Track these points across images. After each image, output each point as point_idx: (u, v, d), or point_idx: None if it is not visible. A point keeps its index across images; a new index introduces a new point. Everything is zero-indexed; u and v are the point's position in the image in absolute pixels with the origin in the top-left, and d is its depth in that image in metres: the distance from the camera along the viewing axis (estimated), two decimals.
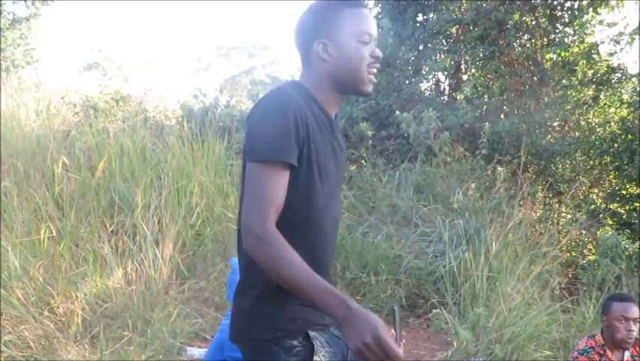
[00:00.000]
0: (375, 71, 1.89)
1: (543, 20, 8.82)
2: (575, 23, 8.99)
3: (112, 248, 4.98)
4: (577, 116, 8.94)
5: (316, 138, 1.79)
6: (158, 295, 4.84)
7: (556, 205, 8.00)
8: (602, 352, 3.64)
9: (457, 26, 9.74)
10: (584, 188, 8.49)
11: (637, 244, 7.13)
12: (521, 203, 6.67)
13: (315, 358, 1.77)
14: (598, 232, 7.61)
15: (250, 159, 1.73)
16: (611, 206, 8.21)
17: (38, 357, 3.90)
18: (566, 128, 8.96)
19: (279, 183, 1.70)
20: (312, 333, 1.81)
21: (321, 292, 1.60)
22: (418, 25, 9.54)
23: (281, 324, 1.78)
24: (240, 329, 1.88)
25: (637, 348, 3.72)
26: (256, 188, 1.70)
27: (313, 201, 1.82)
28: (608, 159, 8.19)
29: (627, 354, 3.69)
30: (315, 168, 1.79)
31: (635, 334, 3.56)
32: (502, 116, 9.13)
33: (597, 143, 8.25)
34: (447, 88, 10.66)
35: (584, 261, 7.21)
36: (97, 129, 6.89)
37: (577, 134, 8.71)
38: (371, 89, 1.92)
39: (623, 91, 8.95)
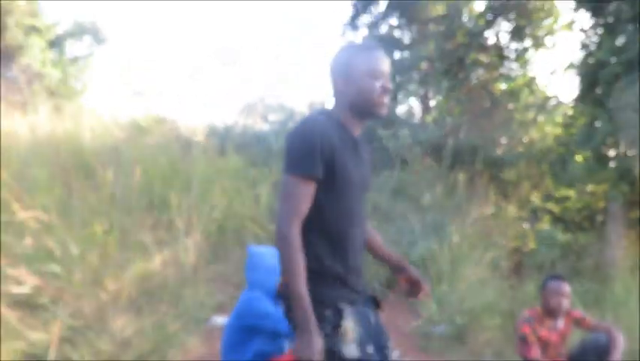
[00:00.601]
0: (385, 98, 1.91)
1: (494, 58, 8.85)
2: (519, 60, 9.03)
3: (152, 239, 4.97)
4: (521, 134, 8.97)
5: (341, 154, 1.82)
6: (188, 276, 4.84)
7: (505, 204, 8.01)
8: (541, 320, 3.66)
9: (426, 63, 9.77)
10: (526, 191, 8.50)
11: (568, 235, 7.16)
12: (477, 203, 6.67)
13: (342, 322, 1.80)
14: (537, 226, 7.63)
15: (284, 171, 1.80)
16: (548, 205, 8.23)
17: (93, 326, 3.89)
18: (512, 143, 8.98)
19: (303, 193, 1.77)
20: (340, 305, 1.83)
21: (301, 302, 1.70)
22: (395, 61, 9.55)
23: (317, 297, 1.78)
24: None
25: (569, 317, 3.74)
26: (286, 196, 1.78)
27: (342, 206, 1.86)
28: (546, 167, 8.20)
29: (561, 322, 3.71)
30: (341, 178, 1.83)
31: (565, 305, 3.57)
32: (461, 133, 9.14)
33: (537, 155, 8.27)
34: (418, 111, 10.69)
35: (527, 249, 7.22)
36: (140, 144, 6.90)
37: (521, 148, 8.73)
38: (384, 111, 1.94)
39: (557, 114, 8.98)
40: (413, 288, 2.18)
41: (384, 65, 1.92)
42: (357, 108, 1.92)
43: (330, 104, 2.00)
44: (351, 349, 1.79)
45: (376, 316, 2.01)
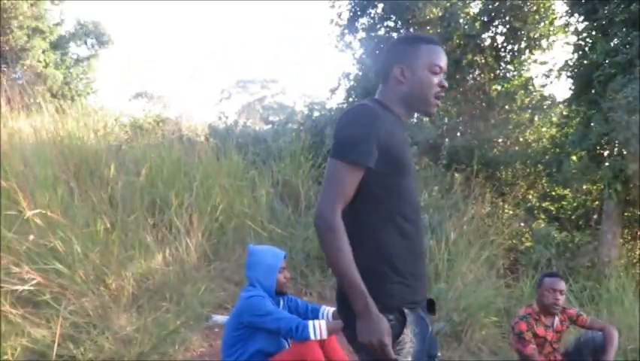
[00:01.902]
0: (440, 97, 1.85)
1: (490, 59, 8.84)
2: (515, 62, 9.04)
3: (153, 237, 4.96)
4: (517, 134, 8.97)
5: (397, 141, 1.73)
6: (189, 274, 4.83)
7: (501, 203, 8.01)
8: (537, 317, 3.66)
9: None
10: (522, 190, 8.50)
11: (563, 234, 7.16)
12: (473, 202, 6.67)
13: (404, 331, 1.68)
14: (533, 225, 7.63)
15: (332, 155, 1.68)
16: (544, 204, 8.23)
17: (96, 323, 3.88)
18: (508, 143, 8.98)
19: (351, 180, 1.65)
20: (406, 310, 1.70)
21: (354, 287, 1.57)
22: None
23: (381, 298, 1.65)
24: (346, 304, 1.70)
25: (564, 315, 3.73)
26: (332, 181, 1.65)
27: (403, 191, 1.75)
28: (541, 167, 8.20)
29: (557, 319, 3.70)
30: (400, 164, 1.73)
31: (560, 302, 3.57)
32: (458, 134, 9.14)
33: (532, 155, 8.27)
34: None
35: (523, 247, 7.22)
36: (142, 144, 6.88)
37: (517, 148, 8.72)
38: (435, 110, 1.87)
39: (553, 115, 8.98)
40: None
41: (444, 61, 1.86)
42: (411, 100, 1.83)
43: (382, 91, 1.88)
44: None
45: (431, 322, 1.88)
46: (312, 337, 2.84)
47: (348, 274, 1.58)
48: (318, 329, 2.87)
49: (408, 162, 1.77)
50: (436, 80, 1.82)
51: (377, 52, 9.51)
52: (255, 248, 3.21)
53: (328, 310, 3.28)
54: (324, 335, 2.90)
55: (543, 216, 8.03)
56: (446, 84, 1.85)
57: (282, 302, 3.20)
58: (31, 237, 4.01)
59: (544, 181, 8.37)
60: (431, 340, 1.84)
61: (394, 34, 10.01)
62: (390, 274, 1.70)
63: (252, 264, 3.12)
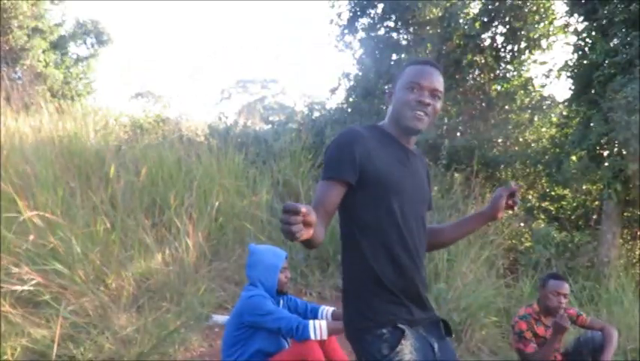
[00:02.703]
0: (419, 112, 1.83)
1: (490, 60, 8.84)
2: (514, 62, 9.03)
3: (153, 237, 4.96)
4: (516, 134, 8.96)
5: (380, 160, 1.78)
6: (189, 274, 4.82)
7: None
8: (537, 317, 3.66)
9: None
10: (522, 190, 8.49)
11: (563, 234, 7.15)
12: (473, 202, 6.67)
13: (402, 341, 1.69)
14: (533, 225, 7.62)
15: (320, 179, 1.79)
16: (543, 204, 8.23)
17: (96, 323, 3.88)
18: (508, 143, 8.97)
19: (330, 193, 1.72)
20: (401, 326, 1.73)
21: None
22: (392, 63, 9.54)
23: (371, 315, 1.74)
24: (349, 329, 1.84)
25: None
26: (315, 196, 1.74)
27: (387, 216, 1.78)
28: (541, 167, 8.20)
29: None
30: (384, 183, 1.78)
31: (564, 305, 3.57)
32: (458, 134, 9.14)
33: (532, 155, 8.27)
34: None
35: (522, 247, 7.22)
36: (142, 144, 6.88)
37: (516, 148, 8.72)
38: (416, 125, 1.85)
39: (552, 115, 8.98)
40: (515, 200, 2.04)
41: (425, 79, 1.84)
42: (396, 119, 1.89)
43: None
44: None
45: (444, 344, 1.87)
46: (312, 337, 2.84)
47: None
48: (318, 329, 2.88)
49: (395, 182, 1.80)
50: (411, 96, 1.83)
51: (377, 52, 9.51)
52: (256, 248, 3.21)
53: (327, 309, 3.28)
54: (325, 336, 2.90)
55: (543, 216, 8.03)
56: (426, 100, 1.83)
57: (282, 302, 3.20)
58: (31, 237, 4.01)
59: (543, 181, 8.37)
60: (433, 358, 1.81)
61: (394, 34, 10.02)
62: (381, 293, 1.77)
63: (253, 263, 3.12)
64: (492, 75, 9.22)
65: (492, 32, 8.98)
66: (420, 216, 1.88)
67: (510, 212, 2.10)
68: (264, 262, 3.09)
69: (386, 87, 1.88)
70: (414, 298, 1.82)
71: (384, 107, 9.09)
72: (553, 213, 8.06)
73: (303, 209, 1.34)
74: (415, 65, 1.89)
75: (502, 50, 9.03)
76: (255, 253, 3.16)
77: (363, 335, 1.74)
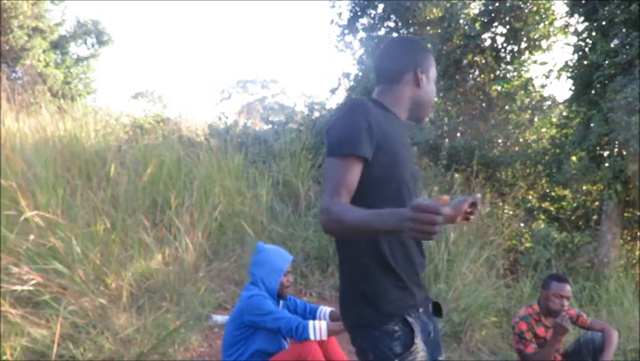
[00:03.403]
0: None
1: (490, 60, 8.84)
2: (515, 62, 9.03)
3: (154, 237, 4.96)
4: (516, 134, 8.96)
5: (391, 137, 1.68)
6: (189, 274, 4.83)
7: (501, 204, 8.01)
8: (537, 318, 3.66)
9: None
10: (522, 190, 8.50)
11: (563, 234, 7.15)
12: None
13: (415, 340, 1.65)
14: (533, 225, 7.62)
15: (329, 154, 1.61)
16: (543, 205, 8.23)
17: (96, 323, 3.88)
18: (508, 144, 8.98)
19: (351, 172, 1.57)
20: (409, 318, 1.67)
21: (377, 218, 1.40)
22: None
23: (383, 307, 1.64)
24: (348, 316, 1.73)
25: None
26: (331, 176, 1.57)
27: (400, 193, 1.70)
28: (541, 168, 8.20)
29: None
30: (394, 158, 1.67)
31: (566, 308, 3.57)
32: (458, 134, 9.14)
33: (532, 155, 8.27)
34: None
35: (522, 247, 7.22)
36: (142, 144, 6.88)
37: (517, 148, 8.72)
38: (426, 120, 1.90)
39: (553, 115, 8.99)
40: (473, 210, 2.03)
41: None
42: (418, 105, 1.83)
43: (383, 91, 1.83)
44: None
45: (435, 324, 1.85)
46: (312, 337, 2.84)
47: (367, 216, 1.43)
48: (318, 329, 2.87)
49: (403, 161, 1.72)
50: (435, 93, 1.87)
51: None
52: (264, 246, 3.18)
53: (326, 310, 3.28)
54: (324, 336, 2.90)
55: (543, 217, 8.03)
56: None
57: (281, 302, 3.19)
58: (32, 237, 4.01)
59: (544, 181, 8.37)
60: (436, 344, 1.82)
61: (394, 35, 10.02)
62: (389, 279, 1.67)
63: (258, 262, 3.11)
64: (492, 75, 9.22)
65: (492, 33, 8.99)
66: (415, 195, 1.84)
67: (465, 222, 2.02)
68: (269, 263, 3.07)
69: (418, 70, 1.83)
70: (416, 279, 1.76)
71: None
72: (553, 213, 8.06)
73: (445, 209, 1.29)
74: (432, 56, 1.89)
75: (503, 50, 9.03)
76: (263, 251, 3.14)
77: (370, 330, 1.66)
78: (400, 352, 1.62)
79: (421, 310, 1.78)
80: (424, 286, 1.83)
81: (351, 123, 1.60)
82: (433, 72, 1.85)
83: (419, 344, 1.66)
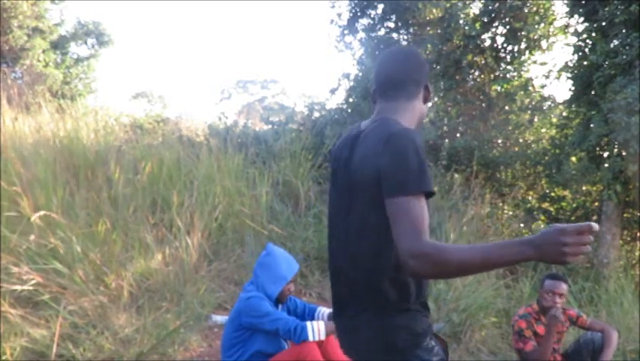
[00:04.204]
0: None
1: (490, 60, 8.84)
2: (515, 62, 9.04)
3: (154, 237, 4.96)
4: (516, 135, 8.97)
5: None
6: (189, 274, 4.82)
7: (501, 204, 8.01)
8: (537, 317, 3.67)
9: None
10: (522, 191, 8.50)
11: None
12: (473, 203, 6.67)
13: (448, 352, 1.69)
14: (533, 226, 7.62)
15: (398, 193, 1.48)
16: (543, 205, 8.23)
17: (95, 323, 3.88)
18: (508, 144, 8.98)
19: (425, 210, 1.48)
20: (434, 333, 1.70)
21: (505, 252, 1.36)
22: None
23: (419, 329, 1.63)
24: (376, 344, 1.64)
25: (564, 315, 3.74)
26: (410, 218, 1.45)
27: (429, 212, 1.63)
28: (541, 168, 8.21)
29: None
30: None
31: (560, 304, 3.57)
32: (458, 134, 9.14)
33: (532, 156, 8.28)
34: None
35: None
36: (142, 145, 6.88)
37: (516, 149, 8.73)
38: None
39: (552, 115, 8.99)
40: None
41: None
42: (419, 123, 1.80)
43: (399, 106, 1.73)
44: None
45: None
46: (310, 338, 2.84)
47: (484, 252, 1.39)
48: (317, 330, 2.87)
49: None
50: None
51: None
52: (273, 250, 3.15)
53: (324, 311, 3.27)
54: (323, 336, 2.90)
55: (543, 217, 8.03)
56: None
57: (280, 305, 3.19)
58: (32, 237, 4.01)
59: (543, 182, 8.38)
60: None
61: (394, 35, 10.02)
62: (420, 304, 1.68)
63: (264, 264, 3.09)
64: (492, 76, 9.23)
65: (492, 33, 8.99)
66: None
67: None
68: (275, 270, 3.04)
69: (429, 86, 1.81)
70: (426, 304, 1.76)
71: None
72: (553, 214, 8.07)
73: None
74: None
75: (503, 50, 9.04)
76: (270, 255, 3.11)
77: (413, 350, 1.62)
78: None
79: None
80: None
81: (415, 158, 1.52)
82: (428, 85, 1.83)
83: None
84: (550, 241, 1.31)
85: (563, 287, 3.61)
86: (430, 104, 1.82)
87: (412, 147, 1.53)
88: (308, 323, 2.88)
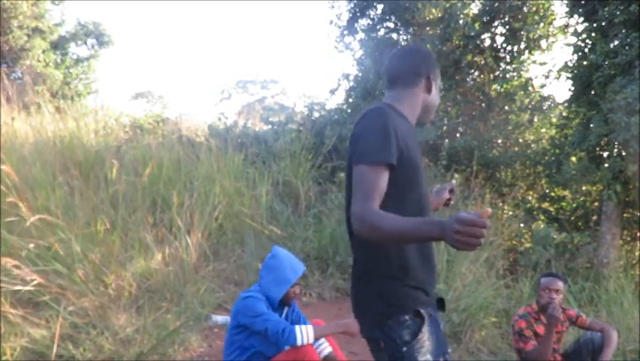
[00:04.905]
0: None
1: (490, 60, 8.84)
2: (514, 62, 9.03)
3: (153, 237, 4.96)
4: (516, 135, 8.96)
5: (409, 143, 1.75)
6: (189, 274, 4.82)
7: (501, 204, 8.00)
8: (537, 317, 3.67)
9: None
10: (521, 191, 8.50)
11: (563, 235, 7.15)
12: (473, 202, 6.66)
13: (422, 329, 1.72)
14: (533, 225, 7.62)
15: (358, 162, 1.67)
16: (543, 205, 8.23)
17: (95, 323, 3.88)
18: (508, 144, 8.97)
19: (381, 180, 1.63)
20: (422, 310, 1.75)
21: (419, 227, 1.47)
22: None
23: (397, 301, 1.73)
24: (363, 306, 1.83)
25: (564, 315, 3.73)
26: (363, 184, 1.62)
27: (417, 191, 1.79)
28: (541, 168, 8.20)
29: None
30: (413, 165, 1.76)
31: (557, 300, 3.57)
32: (458, 134, 9.14)
33: (532, 156, 8.27)
34: None
35: (522, 248, 7.22)
36: (142, 145, 6.88)
37: (516, 149, 8.72)
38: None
39: (552, 115, 8.99)
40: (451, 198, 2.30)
41: None
42: (426, 111, 1.94)
43: (396, 95, 1.91)
44: (426, 360, 1.70)
45: (442, 319, 1.96)
46: (299, 343, 2.82)
47: (408, 223, 1.50)
48: (305, 334, 2.86)
49: (419, 165, 1.81)
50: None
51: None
52: (278, 253, 3.15)
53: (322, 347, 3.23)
54: (311, 340, 2.89)
55: (542, 217, 8.03)
56: None
57: (286, 309, 3.18)
58: (32, 238, 4.00)
59: (543, 182, 8.37)
60: (445, 337, 1.90)
61: (394, 35, 10.02)
62: (406, 280, 1.76)
63: (269, 266, 3.09)
64: (492, 76, 9.22)
65: (492, 33, 8.99)
66: (429, 202, 1.96)
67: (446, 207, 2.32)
68: (278, 272, 3.04)
69: (431, 76, 1.85)
70: (431, 279, 1.86)
71: None
72: (552, 214, 8.06)
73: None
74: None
75: (502, 50, 9.03)
76: (275, 257, 3.11)
77: (385, 320, 1.73)
78: (408, 340, 1.69)
79: (430, 308, 1.83)
80: (435, 283, 1.92)
81: (379, 131, 1.68)
82: (439, 81, 1.98)
83: (425, 334, 1.72)
84: (449, 227, 1.38)
85: (559, 284, 3.61)
86: (434, 92, 1.94)
87: (380, 121, 1.70)
88: (297, 327, 2.87)
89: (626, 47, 6.56)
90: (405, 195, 1.75)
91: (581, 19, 7.43)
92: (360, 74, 10.03)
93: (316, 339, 2.93)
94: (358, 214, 1.57)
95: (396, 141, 1.68)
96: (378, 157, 1.64)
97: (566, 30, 8.56)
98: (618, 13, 6.67)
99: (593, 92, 7.09)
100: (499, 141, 8.99)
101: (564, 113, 8.40)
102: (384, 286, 1.75)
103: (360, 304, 1.84)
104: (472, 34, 8.59)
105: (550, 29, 8.74)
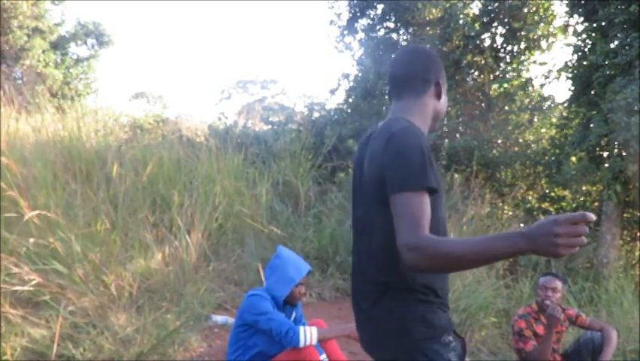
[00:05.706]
0: None
1: (489, 60, 8.84)
2: (514, 62, 9.04)
3: (153, 237, 4.96)
4: (516, 135, 8.97)
5: (434, 162, 1.61)
6: (189, 274, 4.82)
7: (501, 204, 8.01)
8: (536, 316, 3.67)
9: None
10: (521, 191, 8.50)
11: None
12: (473, 202, 6.67)
13: (465, 354, 1.66)
14: None
15: (402, 189, 1.50)
16: (543, 205, 8.23)
17: (95, 323, 3.88)
18: (508, 144, 8.98)
19: (427, 205, 1.49)
20: (455, 332, 1.69)
21: (494, 244, 1.34)
22: None
23: (437, 323, 1.62)
24: (391, 334, 1.65)
25: (564, 315, 3.74)
26: (409, 212, 1.47)
27: (437, 215, 1.62)
28: (541, 168, 8.20)
29: None
30: (438, 188, 1.59)
31: (553, 299, 3.57)
32: (458, 134, 9.14)
33: (532, 156, 8.28)
34: None
35: None
36: (142, 145, 6.88)
37: (516, 149, 8.73)
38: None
39: (552, 115, 8.99)
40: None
41: None
42: (435, 118, 1.80)
43: (408, 103, 1.76)
44: None
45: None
46: (302, 344, 2.82)
47: (480, 244, 1.36)
48: (309, 335, 2.86)
49: (442, 187, 1.70)
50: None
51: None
52: (282, 253, 3.15)
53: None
54: (314, 341, 2.89)
55: (542, 217, 8.01)
56: None
57: (293, 312, 3.18)
58: (32, 238, 4.00)
59: (543, 182, 8.37)
60: None
61: (394, 35, 10.03)
62: (438, 301, 1.67)
63: (274, 266, 3.09)
64: (492, 76, 9.23)
65: (492, 33, 8.99)
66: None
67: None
68: (282, 272, 3.04)
69: (441, 82, 1.79)
70: (447, 301, 1.76)
71: (383, 108, 9.11)
72: (552, 214, 8.05)
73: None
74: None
75: (502, 50, 9.04)
76: (279, 258, 3.11)
77: (429, 344, 1.62)
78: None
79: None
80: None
81: (417, 154, 1.54)
82: (445, 79, 1.82)
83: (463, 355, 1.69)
84: (542, 232, 1.28)
85: (556, 283, 3.62)
86: (444, 98, 1.80)
87: (412, 145, 1.54)
88: (301, 328, 2.87)
89: (626, 47, 6.56)
90: (434, 225, 1.58)
91: (581, 19, 7.43)
92: (360, 74, 10.04)
93: (319, 341, 2.93)
94: (413, 244, 1.41)
95: (431, 164, 1.55)
96: (422, 183, 1.51)
97: (565, 30, 8.57)
98: (618, 13, 6.67)
99: (593, 92, 7.09)
100: (499, 141, 9.00)
101: (564, 113, 8.40)
102: (426, 311, 1.63)
103: (391, 329, 1.66)
104: (472, 34, 8.60)
105: (550, 29, 8.75)
